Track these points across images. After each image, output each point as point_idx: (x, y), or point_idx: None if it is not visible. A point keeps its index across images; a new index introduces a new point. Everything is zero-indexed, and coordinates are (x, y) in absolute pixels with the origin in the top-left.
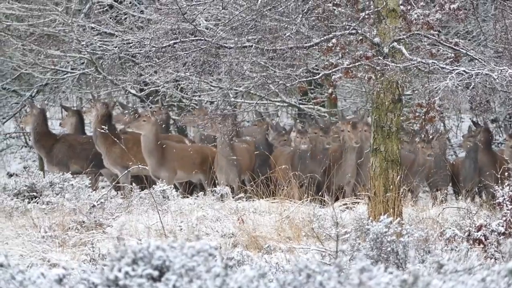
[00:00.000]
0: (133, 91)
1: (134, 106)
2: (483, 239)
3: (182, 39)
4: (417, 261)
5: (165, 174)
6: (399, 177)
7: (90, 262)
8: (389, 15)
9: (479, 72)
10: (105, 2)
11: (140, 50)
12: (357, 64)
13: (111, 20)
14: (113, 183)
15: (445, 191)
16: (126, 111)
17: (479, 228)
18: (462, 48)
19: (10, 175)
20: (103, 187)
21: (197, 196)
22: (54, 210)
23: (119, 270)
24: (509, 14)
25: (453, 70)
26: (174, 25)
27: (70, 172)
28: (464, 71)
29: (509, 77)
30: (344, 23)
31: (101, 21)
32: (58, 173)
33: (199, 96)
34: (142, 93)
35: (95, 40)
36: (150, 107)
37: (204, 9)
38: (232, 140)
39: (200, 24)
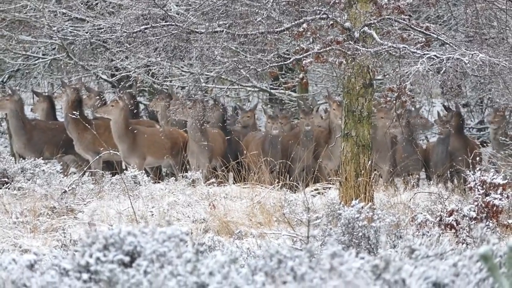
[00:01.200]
0: (104, 77)
1: (100, 90)
2: (455, 224)
3: (153, 24)
4: (388, 246)
5: (136, 159)
6: (370, 162)
7: (62, 248)
8: (360, 0)
9: (450, 57)
10: None
11: (111, 35)
12: (328, 48)
13: (82, 5)
14: (85, 169)
15: (417, 176)
16: (91, 94)
17: (450, 213)
18: (433, 33)
19: None
20: (74, 173)
21: (168, 182)
22: (26, 196)
23: (90, 256)
24: None
25: (424, 54)
26: (145, 10)
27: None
28: (435, 55)
29: (480, 61)
30: (315, 8)
31: (72, 7)
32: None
33: (170, 81)
34: (113, 78)
35: (66, 25)
36: (121, 92)
37: None
38: (203, 125)
39: (171, 9)
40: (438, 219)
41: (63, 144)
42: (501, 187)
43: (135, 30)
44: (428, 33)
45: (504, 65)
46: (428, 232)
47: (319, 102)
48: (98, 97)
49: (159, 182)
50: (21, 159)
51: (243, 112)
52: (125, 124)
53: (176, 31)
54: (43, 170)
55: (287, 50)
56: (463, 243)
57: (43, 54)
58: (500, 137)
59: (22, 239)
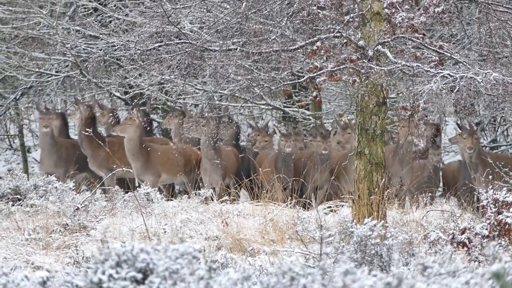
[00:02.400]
0: (117, 94)
1: (113, 107)
2: (467, 242)
3: (166, 42)
4: (401, 264)
5: (150, 177)
6: (383, 180)
7: (74, 264)
8: (374, 18)
9: (464, 75)
10: (89, 5)
11: (125, 53)
12: (341, 67)
13: (95, 23)
14: (98, 186)
15: (429, 194)
16: (104, 111)
17: (463, 231)
18: (446, 51)
19: None
20: (87, 190)
21: (181, 199)
22: (38, 213)
23: (103, 273)
24: (493, 18)
25: (437, 73)
26: (159, 28)
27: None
28: (448, 74)
29: (493, 80)
30: (328, 26)
31: (86, 24)
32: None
33: (184, 99)
34: (127, 96)
35: (80, 42)
36: (133, 110)
37: (188, 12)
38: (216, 142)
39: (184, 27)
40: (450, 237)
41: (76, 161)
42: None
43: (148, 48)
44: (442, 51)
45: None
46: (440, 250)
47: (332, 120)
48: (111, 114)
49: (172, 200)
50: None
51: (261, 135)
52: (139, 141)
53: (190, 49)
54: (56, 187)
55: (300, 68)
56: (475, 261)
57: (56, 71)
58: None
59: (34, 256)
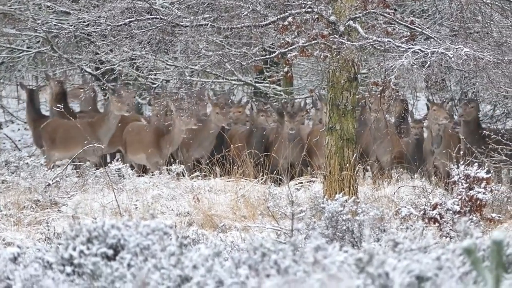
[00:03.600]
0: (88, 70)
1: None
2: (439, 217)
3: (137, 18)
4: (372, 240)
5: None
6: (354, 155)
7: (45, 241)
8: None
9: (435, 51)
10: None
11: (96, 28)
12: (313, 42)
13: None
14: (69, 162)
15: (400, 169)
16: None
17: (434, 207)
18: (417, 27)
19: None
20: (58, 166)
21: (153, 175)
22: (9, 189)
23: (74, 249)
24: None
25: (408, 48)
26: (130, 4)
27: None
28: (419, 49)
29: (464, 55)
30: (300, 1)
31: (57, 0)
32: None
33: (155, 75)
34: (98, 71)
35: (51, 18)
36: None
37: None
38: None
39: (155, 3)
40: (422, 212)
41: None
42: (484, 181)
43: (119, 23)
44: (413, 27)
45: (488, 59)
46: (412, 225)
47: (303, 96)
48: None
49: (143, 176)
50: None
51: (234, 107)
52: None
53: (160, 25)
54: (27, 163)
55: (272, 44)
56: (446, 237)
57: (27, 47)
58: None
59: (5, 232)
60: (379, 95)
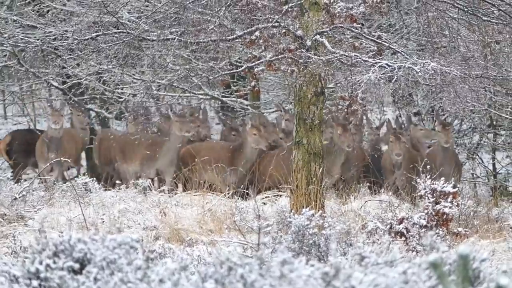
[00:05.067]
0: (55, 84)
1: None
2: (405, 231)
3: (104, 32)
4: (338, 254)
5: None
6: (321, 170)
7: (12, 254)
8: (312, 8)
9: (402, 65)
10: None
11: (63, 42)
12: (280, 57)
13: (33, 12)
14: (35, 176)
15: (367, 183)
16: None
17: (401, 221)
18: (384, 41)
19: None
20: (25, 180)
21: (119, 189)
22: None
23: (40, 263)
24: (432, 7)
25: (375, 63)
26: (97, 18)
27: None
28: (386, 64)
29: (431, 70)
30: (267, 16)
31: (24, 14)
32: None
33: (122, 89)
34: (65, 85)
35: (18, 32)
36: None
37: (127, 2)
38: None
39: (122, 17)
40: (388, 227)
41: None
42: (451, 195)
43: (86, 38)
44: (380, 41)
45: (455, 74)
46: (378, 239)
47: (270, 110)
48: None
49: (110, 190)
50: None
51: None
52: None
53: (127, 39)
54: None
55: (239, 58)
56: (413, 251)
57: None
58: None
59: None
60: (346, 110)
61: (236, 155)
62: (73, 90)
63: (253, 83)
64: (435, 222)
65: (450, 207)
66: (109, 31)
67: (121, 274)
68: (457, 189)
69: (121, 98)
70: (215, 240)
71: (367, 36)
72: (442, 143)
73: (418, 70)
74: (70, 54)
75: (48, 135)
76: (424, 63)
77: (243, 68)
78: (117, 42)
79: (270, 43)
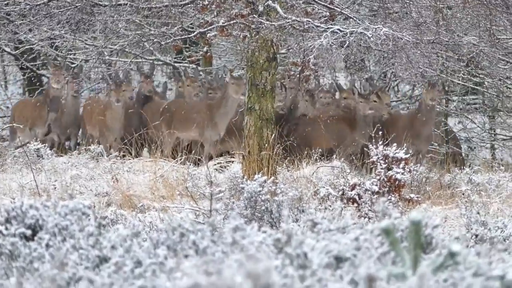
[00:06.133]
0: (8, 49)
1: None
2: (357, 198)
3: None
4: (291, 220)
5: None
6: (273, 136)
7: None
8: None
9: (354, 31)
10: None
11: (15, 7)
12: (232, 22)
13: None
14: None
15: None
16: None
17: (353, 187)
18: (336, 7)
19: None
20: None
21: (71, 155)
22: None
23: None
24: None
25: (327, 28)
26: None
27: None
28: (338, 29)
29: (383, 35)
30: None
31: None
32: None
33: (74, 54)
34: (17, 51)
35: None
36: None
37: None
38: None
39: None
40: (340, 193)
41: None
42: (403, 162)
43: (38, 3)
44: (332, 7)
45: (407, 39)
46: (330, 206)
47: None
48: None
49: (62, 156)
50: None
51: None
52: None
53: (79, 4)
54: None
55: (191, 24)
56: (365, 217)
57: None
58: None
59: None
60: (298, 75)
61: (215, 111)
62: (25, 56)
63: (205, 49)
64: (387, 188)
65: (402, 173)
66: None
67: (73, 241)
68: (409, 155)
69: (74, 63)
70: (167, 206)
71: (319, 1)
72: (428, 101)
73: (370, 36)
74: (22, 20)
75: (50, 94)
76: (376, 28)
77: (195, 33)
78: (70, 8)
79: (223, 8)
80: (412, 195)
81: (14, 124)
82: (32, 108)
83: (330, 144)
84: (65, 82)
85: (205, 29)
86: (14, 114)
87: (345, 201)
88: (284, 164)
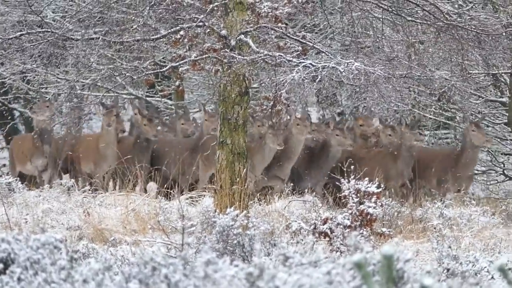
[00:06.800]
0: None
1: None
2: (329, 232)
3: (28, 31)
4: (263, 254)
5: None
6: (245, 170)
7: None
8: (237, 8)
9: (326, 65)
10: None
11: None
12: (204, 56)
13: None
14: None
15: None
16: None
17: (325, 221)
18: (309, 41)
19: None
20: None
21: (43, 189)
22: None
23: None
24: (356, 7)
25: (300, 63)
26: (21, 17)
27: None
28: (310, 64)
29: (355, 70)
30: (191, 16)
31: None
32: None
33: (46, 88)
34: None
35: None
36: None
37: (51, 1)
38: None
39: (47, 16)
40: (312, 227)
41: None
42: (375, 196)
43: (10, 37)
44: (304, 41)
45: (379, 74)
46: (302, 240)
47: (194, 110)
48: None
49: (33, 189)
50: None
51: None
52: None
53: (52, 38)
54: None
55: (163, 58)
56: (337, 251)
57: None
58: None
59: None
60: (270, 109)
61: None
62: None
63: (177, 83)
64: (359, 222)
65: (374, 207)
66: (33, 30)
67: (45, 274)
68: (381, 189)
69: (46, 97)
70: (139, 240)
71: (291, 36)
72: (476, 142)
73: (342, 70)
74: None
75: (38, 127)
76: (348, 63)
77: (167, 67)
78: (42, 41)
79: (195, 42)
80: (384, 229)
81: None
82: (29, 141)
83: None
84: (51, 113)
85: (177, 63)
86: (13, 149)
87: (317, 235)
88: (256, 198)
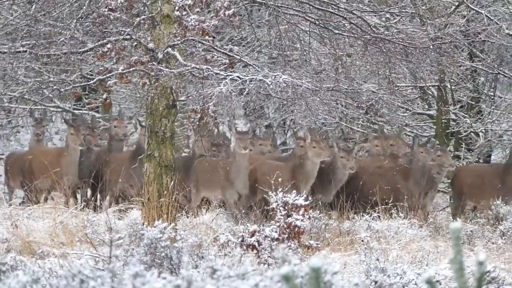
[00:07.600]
0: None
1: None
2: (257, 244)
3: None
4: (190, 267)
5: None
6: (172, 182)
7: None
8: (164, 21)
9: (253, 78)
10: None
11: None
12: (131, 69)
13: None
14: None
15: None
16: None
17: (252, 234)
18: (236, 54)
19: None
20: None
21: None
22: None
23: None
24: (283, 20)
25: (227, 76)
26: None
27: None
28: (238, 76)
29: (282, 83)
30: (119, 29)
31: None
32: None
33: None
34: None
35: None
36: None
37: None
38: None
39: None
40: (240, 239)
41: None
42: (303, 208)
43: None
44: (232, 54)
45: (306, 86)
46: (230, 252)
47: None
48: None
49: None
50: None
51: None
52: None
53: None
54: None
55: (90, 71)
56: (265, 264)
57: None
58: None
59: None
60: (197, 122)
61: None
62: None
63: (104, 96)
64: (287, 235)
65: (301, 220)
66: None
67: None
68: (308, 202)
69: None
70: (67, 252)
71: (218, 49)
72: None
73: (270, 83)
74: None
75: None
76: (275, 75)
77: (94, 80)
78: None
79: (122, 55)
80: (311, 242)
81: None
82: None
83: (389, 195)
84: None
85: (105, 76)
86: (7, 165)
87: (244, 247)
88: (184, 211)
